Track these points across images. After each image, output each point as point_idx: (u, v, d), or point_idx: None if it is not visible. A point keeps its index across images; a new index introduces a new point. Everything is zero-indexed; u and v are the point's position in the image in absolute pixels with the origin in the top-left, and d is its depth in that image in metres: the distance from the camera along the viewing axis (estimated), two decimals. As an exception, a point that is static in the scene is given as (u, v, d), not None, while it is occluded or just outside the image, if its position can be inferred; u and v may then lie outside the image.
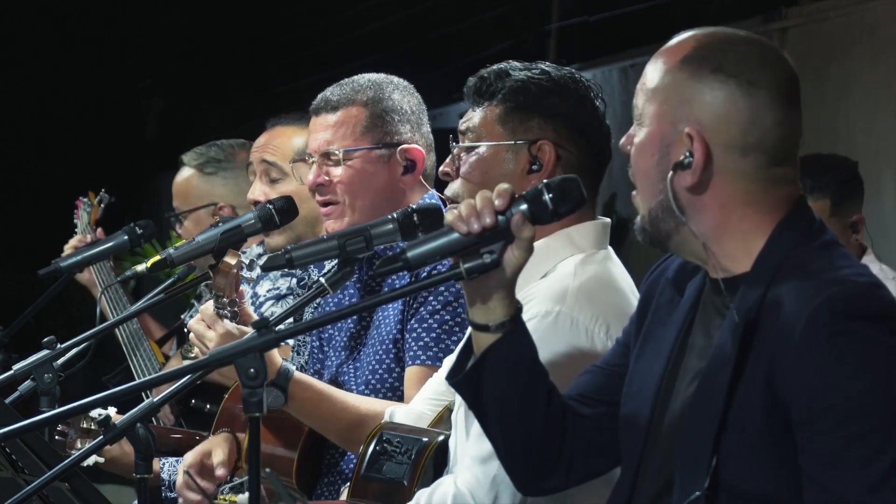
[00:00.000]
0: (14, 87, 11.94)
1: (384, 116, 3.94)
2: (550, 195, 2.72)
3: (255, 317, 3.83)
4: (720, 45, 2.67)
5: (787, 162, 2.67)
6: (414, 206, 3.12)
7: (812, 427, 2.49)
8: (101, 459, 4.24)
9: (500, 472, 2.97)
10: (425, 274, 3.55)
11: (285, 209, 4.05)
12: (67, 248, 5.71)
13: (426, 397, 3.57)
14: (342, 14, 10.99)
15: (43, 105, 12.18)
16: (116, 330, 5.43)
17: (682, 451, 2.62)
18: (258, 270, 4.86)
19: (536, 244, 2.77)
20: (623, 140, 2.76)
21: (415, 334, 3.77)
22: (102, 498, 2.96)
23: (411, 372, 3.77)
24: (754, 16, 7.76)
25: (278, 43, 11.75)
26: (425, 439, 3.28)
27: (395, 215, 3.13)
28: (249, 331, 3.32)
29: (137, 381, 3.54)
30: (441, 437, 3.28)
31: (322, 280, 3.28)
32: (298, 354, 4.36)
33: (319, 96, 3.99)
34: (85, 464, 3.67)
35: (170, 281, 4.36)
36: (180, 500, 4.06)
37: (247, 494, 3.59)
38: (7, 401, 3.65)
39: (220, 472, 3.99)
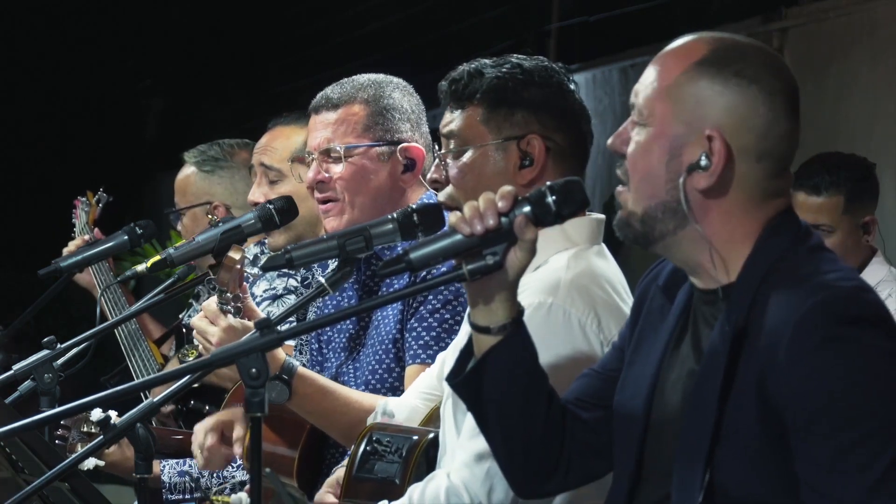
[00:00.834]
0: (14, 87, 11.95)
1: (385, 114, 3.93)
2: (554, 197, 2.71)
3: (259, 312, 3.81)
4: (739, 50, 2.64)
5: (786, 172, 2.67)
6: (414, 206, 3.11)
7: (807, 432, 2.48)
8: (102, 463, 4.24)
9: (493, 466, 2.96)
10: (425, 274, 3.53)
11: (285, 209, 4.05)
12: (67, 252, 5.70)
13: (420, 391, 3.57)
14: (342, 14, 11.00)
15: (43, 105, 12.18)
16: (115, 330, 5.43)
17: (678, 464, 2.60)
18: (256, 270, 4.86)
19: None
20: (612, 139, 2.71)
21: (415, 333, 3.77)
22: (102, 498, 2.96)
23: (411, 371, 3.76)
24: (754, 16, 7.74)
25: (278, 43, 11.75)
26: (415, 437, 3.28)
27: (394, 215, 3.13)
28: (252, 325, 3.32)
29: (137, 380, 3.54)
30: (431, 435, 3.28)
31: (322, 280, 3.28)
32: (301, 353, 4.36)
33: (319, 95, 3.99)
34: (84, 468, 3.67)
35: (170, 281, 4.37)
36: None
37: (239, 494, 3.59)
38: (7, 401, 3.65)
39: (237, 448, 3.88)
